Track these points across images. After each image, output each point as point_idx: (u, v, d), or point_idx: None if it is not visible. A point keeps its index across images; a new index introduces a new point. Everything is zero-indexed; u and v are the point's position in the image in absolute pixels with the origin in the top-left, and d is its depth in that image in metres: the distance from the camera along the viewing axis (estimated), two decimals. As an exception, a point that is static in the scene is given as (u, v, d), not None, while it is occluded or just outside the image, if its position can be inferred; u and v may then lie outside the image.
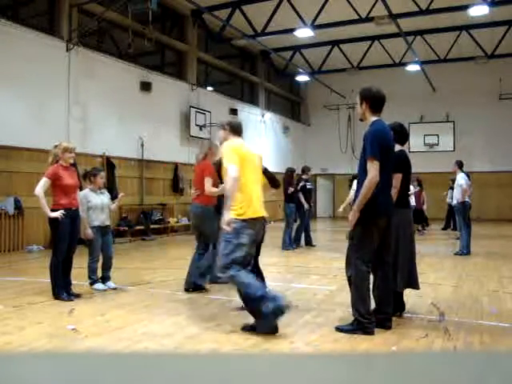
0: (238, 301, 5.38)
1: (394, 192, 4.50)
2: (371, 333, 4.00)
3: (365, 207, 4.00)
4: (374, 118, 4.19)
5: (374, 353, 2.87)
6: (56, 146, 5.53)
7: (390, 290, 4.27)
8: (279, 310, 3.89)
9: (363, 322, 4.02)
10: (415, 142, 21.16)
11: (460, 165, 9.71)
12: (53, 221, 5.31)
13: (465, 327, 4.24)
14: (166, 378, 0.52)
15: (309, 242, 10.59)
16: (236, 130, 4.52)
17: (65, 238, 5.36)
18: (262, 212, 4.30)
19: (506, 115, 20.07)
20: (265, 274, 6.26)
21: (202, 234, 5.86)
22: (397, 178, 4.54)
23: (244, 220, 4.10)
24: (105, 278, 5.88)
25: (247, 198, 4.16)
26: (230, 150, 4.22)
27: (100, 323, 4.36)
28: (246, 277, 4.05)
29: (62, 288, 5.33)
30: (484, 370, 0.52)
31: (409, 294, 4.91)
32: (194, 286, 5.71)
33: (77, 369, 0.53)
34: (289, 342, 3.86)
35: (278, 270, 6.97)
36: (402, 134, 4.82)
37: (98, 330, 4.13)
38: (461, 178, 9.43)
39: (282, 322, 4.49)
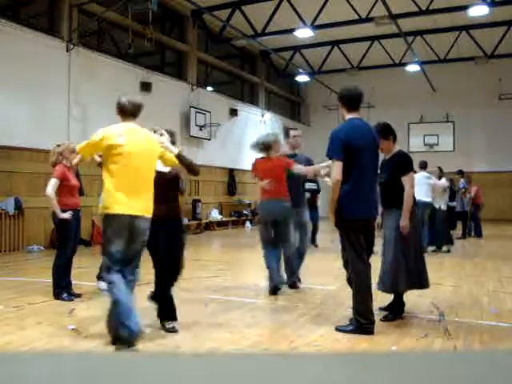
0: (239, 300, 5.38)
1: (411, 192, 4.51)
2: (371, 333, 3.99)
3: (337, 210, 4.05)
4: (348, 117, 4.18)
5: (374, 353, 2.87)
6: (59, 146, 5.53)
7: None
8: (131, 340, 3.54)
9: (362, 323, 4.01)
10: (415, 142, 21.18)
11: (422, 165, 9.54)
12: (61, 221, 5.33)
13: (465, 327, 4.24)
14: (166, 378, 0.52)
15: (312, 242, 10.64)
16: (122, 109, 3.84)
17: (71, 238, 5.43)
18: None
19: (506, 115, 20.08)
20: (265, 273, 6.26)
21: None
22: (411, 177, 4.55)
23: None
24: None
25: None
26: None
27: (100, 323, 4.35)
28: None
29: (62, 288, 5.34)
30: (484, 369, 0.52)
31: (409, 294, 4.90)
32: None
33: (77, 369, 0.53)
34: (289, 342, 3.86)
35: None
36: (392, 133, 4.75)
37: (97, 330, 4.13)
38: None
39: (282, 322, 4.50)
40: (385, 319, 4.46)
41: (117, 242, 3.67)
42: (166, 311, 4.19)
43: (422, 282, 4.59)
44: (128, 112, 3.82)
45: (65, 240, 5.40)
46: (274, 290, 5.64)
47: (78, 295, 5.43)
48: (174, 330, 4.07)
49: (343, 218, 4.06)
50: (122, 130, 3.77)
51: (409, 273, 4.47)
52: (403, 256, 4.46)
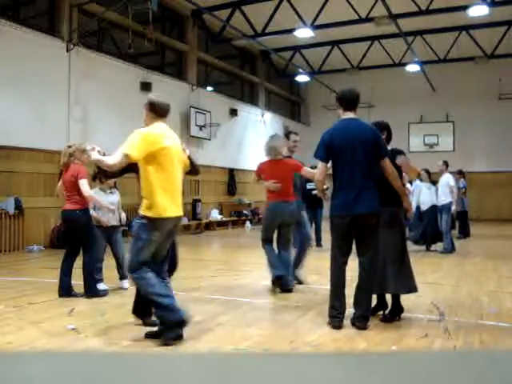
0: (239, 300, 5.38)
1: (395, 172, 4.46)
2: (334, 327, 4.12)
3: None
4: (342, 117, 4.36)
5: (374, 353, 2.87)
6: (70, 147, 5.57)
7: (360, 289, 4.23)
8: (182, 322, 3.74)
9: (329, 314, 4.17)
10: (415, 142, 21.20)
11: (447, 165, 9.86)
12: (89, 221, 5.48)
13: (465, 327, 4.24)
14: (166, 378, 0.52)
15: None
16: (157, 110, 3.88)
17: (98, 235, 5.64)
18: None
19: (506, 115, 20.08)
20: (265, 273, 6.27)
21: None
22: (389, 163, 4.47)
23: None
24: (121, 277, 5.89)
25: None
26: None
27: (100, 323, 4.36)
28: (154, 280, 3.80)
29: (97, 282, 5.55)
30: (484, 369, 0.52)
31: (408, 294, 4.89)
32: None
33: (77, 369, 0.53)
34: (289, 341, 3.86)
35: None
36: (390, 133, 4.73)
37: (97, 330, 4.13)
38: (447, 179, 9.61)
39: (281, 321, 4.50)
40: (384, 320, 4.45)
41: (158, 244, 3.83)
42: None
43: (409, 286, 4.45)
44: (164, 112, 3.92)
45: (96, 238, 5.57)
46: (275, 283, 5.75)
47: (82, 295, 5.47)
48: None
49: (330, 215, 4.29)
50: (165, 132, 3.88)
51: (396, 275, 4.37)
52: (390, 257, 4.37)
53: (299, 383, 0.52)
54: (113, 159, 3.65)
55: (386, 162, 4.25)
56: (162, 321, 3.77)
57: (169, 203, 3.77)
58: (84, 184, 5.33)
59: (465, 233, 12.64)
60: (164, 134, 3.81)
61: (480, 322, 4.44)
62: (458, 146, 20.68)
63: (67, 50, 11.12)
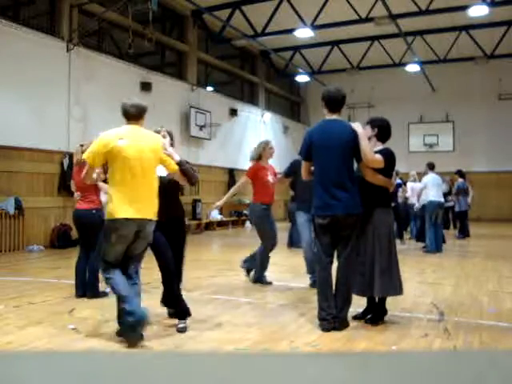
0: (239, 300, 5.39)
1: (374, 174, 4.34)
2: (324, 329, 4.07)
3: None
4: (327, 117, 4.29)
5: (374, 353, 2.87)
6: (82, 145, 5.55)
7: (336, 290, 4.20)
8: (137, 324, 3.67)
9: (319, 316, 4.17)
10: (415, 142, 21.21)
11: (430, 166, 9.99)
12: (103, 221, 5.45)
13: (464, 327, 4.24)
14: (166, 378, 0.52)
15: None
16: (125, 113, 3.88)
17: None
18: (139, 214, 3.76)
19: (506, 115, 20.07)
20: (265, 273, 6.26)
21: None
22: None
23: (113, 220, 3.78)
24: None
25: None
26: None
27: (100, 323, 4.36)
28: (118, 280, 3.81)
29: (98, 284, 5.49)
30: (484, 369, 0.52)
31: (408, 294, 4.90)
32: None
33: (77, 369, 0.53)
34: (289, 341, 3.86)
35: (278, 269, 6.96)
36: (384, 131, 4.51)
37: (97, 330, 4.13)
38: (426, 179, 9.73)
39: (281, 321, 4.50)
40: (371, 322, 4.39)
41: (119, 245, 3.83)
42: (176, 311, 4.29)
43: (396, 288, 4.32)
44: (130, 115, 3.87)
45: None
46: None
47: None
48: (181, 330, 4.08)
49: (311, 215, 4.30)
50: (124, 132, 3.84)
51: (383, 277, 4.22)
52: (377, 259, 4.25)
53: (299, 383, 0.52)
54: None
55: (364, 165, 4.20)
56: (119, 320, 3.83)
57: (122, 204, 3.71)
58: (104, 186, 5.31)
59: (465, 233, 12.66)
60: (119, 135, 3.78)
61: (480, 321, 4.44)
62: (458, 145, 20.68)
63: (67, 50, 11.12)
